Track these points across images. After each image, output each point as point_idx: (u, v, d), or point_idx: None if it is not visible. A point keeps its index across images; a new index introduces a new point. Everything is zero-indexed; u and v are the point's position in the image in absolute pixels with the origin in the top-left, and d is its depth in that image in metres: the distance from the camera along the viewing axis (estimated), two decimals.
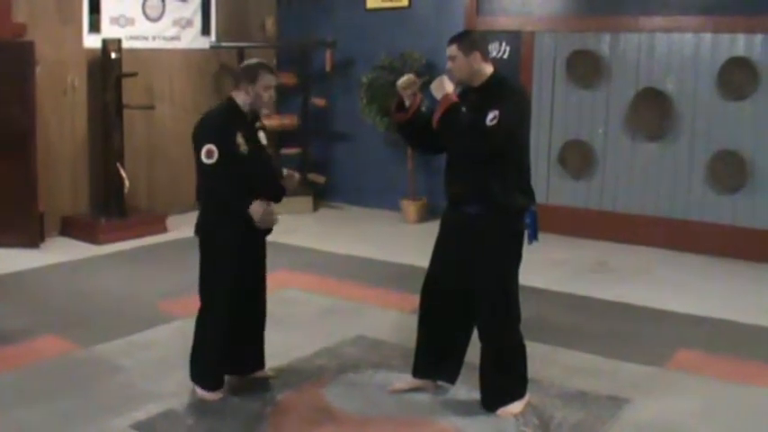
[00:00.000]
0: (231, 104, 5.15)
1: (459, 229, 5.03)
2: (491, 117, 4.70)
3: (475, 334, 5.16)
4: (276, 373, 5.58)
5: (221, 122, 5.04)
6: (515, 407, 5.07)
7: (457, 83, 4.99)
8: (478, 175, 4.86)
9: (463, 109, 4.84)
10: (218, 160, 4.90)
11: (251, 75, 5.09)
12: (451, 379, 5.35)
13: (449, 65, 4.98)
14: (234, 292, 5.16)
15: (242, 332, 5.31)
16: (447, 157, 5.10)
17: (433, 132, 4.97)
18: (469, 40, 4.97)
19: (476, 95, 4.93)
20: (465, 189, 4.96)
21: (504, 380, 5.08)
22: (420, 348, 5.34)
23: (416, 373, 5.37)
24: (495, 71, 4.97)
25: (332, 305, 7.14)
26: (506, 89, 4.91)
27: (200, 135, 5.01)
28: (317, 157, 11.31)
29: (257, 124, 5.25)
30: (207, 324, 5.20)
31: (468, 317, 5.14)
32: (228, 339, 5.21)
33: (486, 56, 4.95)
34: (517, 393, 5.11)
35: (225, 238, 5.09)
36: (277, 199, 5.24)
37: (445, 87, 4.89)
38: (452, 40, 4.97)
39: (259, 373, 5.52)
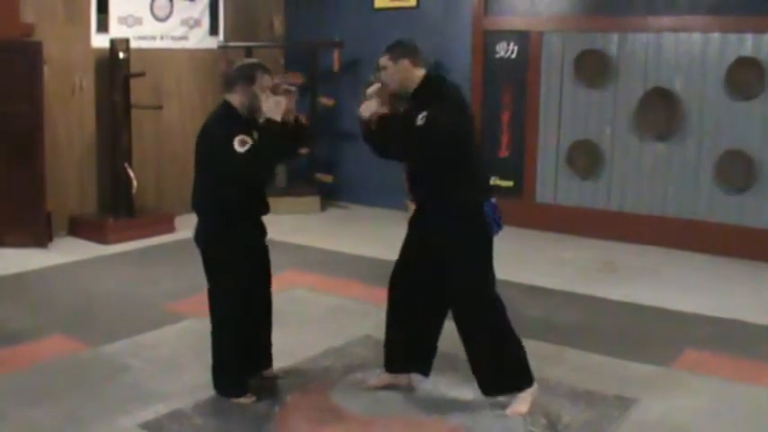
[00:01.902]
0: (228, 109, 5.07)
1: (420, 228, 5.18)
2: (420, 117, 4.83)
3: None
4: (283, 373, 5.59)
5: (228, 126, 4.96)
6: (522, 406, 5.06)
7: (391, 93, 5.07)
8: (427, 177, 5.01)
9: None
10: (252, 145, 4.83)
11: (248, 75, 5.02)
12: (425, 371, 5.39)
13: (381, 75, 5.07)
14: (245, 300, 5.15)
15: (251, 333, 5.32)
16: None
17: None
18: (398, 48, 5.05)
19: (413, 102, 5.03)
20: (418, 190, 5.18)
21: (492, 368, 5.08)
22: (391, 342, 5.37)
23: (391, 367, 5.41)
24: (426, 74, 5.04)
25: (339, 305, 7.15)
26: (437, 90, 5.00)
27: (216, 139, 4.92)
28: (324, 157, 11.31)
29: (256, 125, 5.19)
30: (223, 336, 5.18)
31: (439, 305, 5.19)
32: (244, 345, 5.21)
33: (416, 61, 5.02)
34: (512, 382, 5.09)
35: (230, 248, 5.06)
36: (265, 210, 5.27)
37: (371, 108, 5.01)
38: (384, 51, 5.07)
39: (266, 372, 5.53)
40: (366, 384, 5.47)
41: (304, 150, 9.76)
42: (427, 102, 4.90)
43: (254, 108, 5.05)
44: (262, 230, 5.30)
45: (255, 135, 5.11)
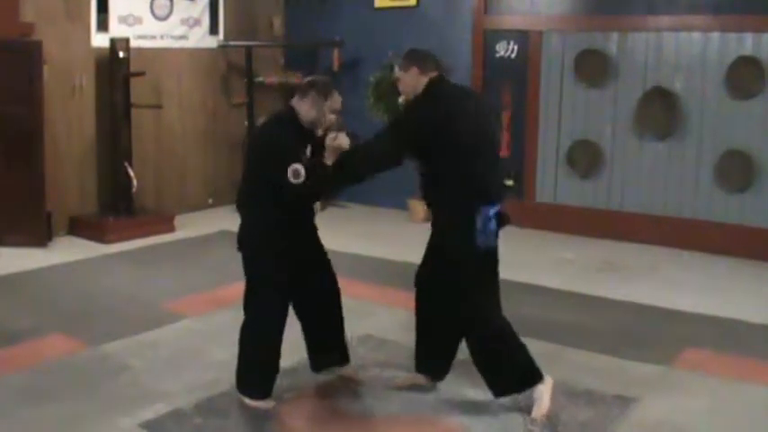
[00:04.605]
0: (292, 117, 5.00)
1: (432, 233, 5.17)
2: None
3: None
4: (361, 379, 5.57)
5: (293, 139, 4.90)
6: (542, 406, 5.00)
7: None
8: (428, 188, 5.05)
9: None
10: (305, 177, 4.75)
11: (325, 91, 4.96)
12: (438, 376, 5.39)
13: (399, 88, 5.12)
14: (280, 303, 5.12)
15: (314, 330, 5.38)
16: None
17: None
18: (407, 57, 5.08)
19: None
20: (425, 199, 5.18)
21: (492, 373, 5.07)
22: (416, 342, 5.41)
23: (417, 366, 5.44)
24: (429, 81, 5.01)
25: None
26: (417, 100, 5.00)
27: (277, 153, 4.84)
28: None
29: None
30: (254, 334, 5.15)
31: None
32: (278, 348, 5.17)
33: (423, 69, 5.02)
34: (518, 383, 5.06)
35: (270, 249, 5.03)
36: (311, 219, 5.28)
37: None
38: (396, 63, 5.13)
39: (344, 371, 5.53)
40: (393, 383, 5.47)
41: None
42: (403, 109, 4.95)
43: (318, 123, 5.00)
44: (308, 228, 5.29)
45: (308, 149, 5.04)
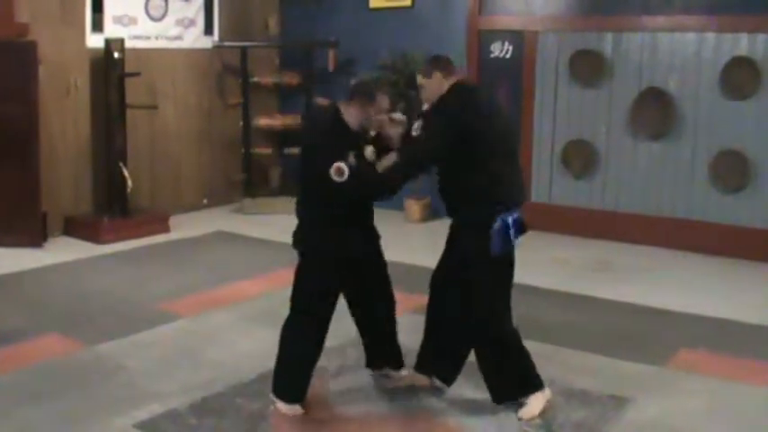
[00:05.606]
0: (339, 119, 4.94)
1: (449, 235, 5.18)
2: (415, 126, 4.88)
3: None
4: (404, 382, 5.51)
5: (338, 141, 4.85)
6: (534, 408, 5.04)
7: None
8: (448, 189, 5.02)
9: None
10: (349, 175, 4.71)
11: (370, 95, 4.92)
12: (448, 380, 5.37)
13: (421, 94, 5.09)
14: (331, 305, 5.10)
15: (371, 332, 5.42)
16: None
17: None
18: (430, 63, 5.06)
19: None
20: (444, 200, 5.10)
21: (496, 379, 5.10)
22: (422, 342, 5.40)
23: (418, 367, 5.43)
24: (452, 85, 4.99)
25: None
26: (445, 98, 4.95)
27: (321, 153, 4.83)
28: None
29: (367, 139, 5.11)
30: (298, 336, 5.11)
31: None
32: (311, 353, 5.14)
33: (446, 73, 5.00)
34: (518, 390, 5.09)
35: (319, 251, 5.02)
36: (369, 217, 5.20)
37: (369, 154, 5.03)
38: (417, 72, 5.10)
39: (398, 375, 5.52)
40: (390, 383, 5.48)
41: None
42: (431, 109, 4.92)
43: (367, 126, 4.99)
44: (369, 237, 5.23)
45: (368, 150, 5.03)
